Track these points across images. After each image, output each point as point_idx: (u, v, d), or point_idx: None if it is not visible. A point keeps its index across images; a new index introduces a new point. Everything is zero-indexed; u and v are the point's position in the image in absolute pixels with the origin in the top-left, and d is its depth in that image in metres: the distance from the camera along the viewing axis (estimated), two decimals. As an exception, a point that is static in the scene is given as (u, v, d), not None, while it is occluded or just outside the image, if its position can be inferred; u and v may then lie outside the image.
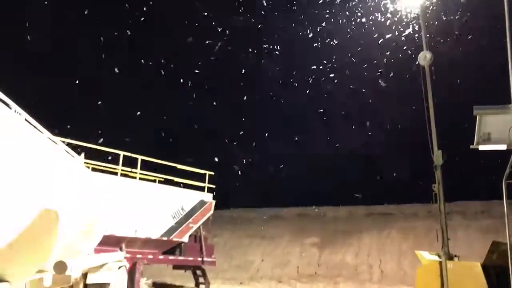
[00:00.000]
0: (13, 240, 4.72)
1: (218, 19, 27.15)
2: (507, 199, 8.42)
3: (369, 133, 26.49)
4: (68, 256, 6.90)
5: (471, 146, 7.93)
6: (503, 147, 7.46)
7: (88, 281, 8.45)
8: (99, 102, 26.86)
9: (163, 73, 28.96)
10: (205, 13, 26.26)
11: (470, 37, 20.46)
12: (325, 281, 18.61)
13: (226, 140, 28.91)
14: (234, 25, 26.85)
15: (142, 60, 27.88)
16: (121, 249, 12.87)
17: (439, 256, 9.81)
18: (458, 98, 18.27)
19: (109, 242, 12.44)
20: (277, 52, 27.20)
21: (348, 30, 24.36)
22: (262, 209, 27.24)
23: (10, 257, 4.89)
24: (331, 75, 26.43)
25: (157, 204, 14.62)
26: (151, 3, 27.77)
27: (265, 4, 26.00)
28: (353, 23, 23.49)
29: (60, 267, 6.33)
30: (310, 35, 26.01)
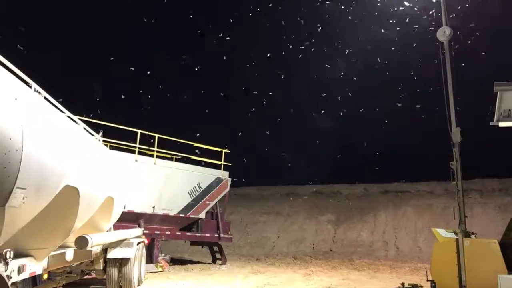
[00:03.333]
0: (36, 215, 4.85)
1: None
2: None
3: (385, 110, 26.16)
4: (89, 231, 7.07)
5: (491, 123, 7.82)
6: (523, 124, 7.35)
7: (109, 256, 8.66)
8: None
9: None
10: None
11: (491, 12, 19.92)
12: (340, 258, 18.72)
13: (244, 117, 28.86)
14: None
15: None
16: (139, 226, 13.12)
17: (455, 233, 9.77)
18: (479, 74, 17.92)
19: (128, 219, 12.68)
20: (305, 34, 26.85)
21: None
22: (278, 187, 27.36)
23: (33, 232, 5.04)
24: (350, 51, 26.09)
25: (174, 182, 14.78)
26: None
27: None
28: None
29: (81, 242, 6.50)
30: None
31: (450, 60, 10.57)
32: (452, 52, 10.78)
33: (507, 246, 9.07)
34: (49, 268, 6.20)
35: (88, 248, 6.63)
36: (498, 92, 7.59)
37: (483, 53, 21.05)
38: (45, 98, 6.03)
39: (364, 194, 25.17)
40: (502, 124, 7.68)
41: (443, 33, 10.66)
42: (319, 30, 26.43)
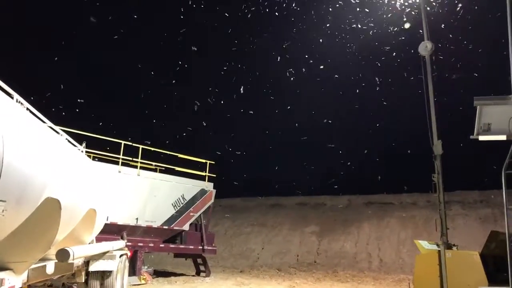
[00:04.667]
0: (17, 228, 4.78)
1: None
2: (506, 189, 8.46)
3: (369, 123, 26.47)
4: (70, 244, 6.97)
5: (471, 137, 7.95)
6: (503, 137, 7.48)
7: (91, 269, 8.53)
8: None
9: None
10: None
11: (470, 27, 20.37)
12: (324, 270, 18.74)
13: (228, 131, 28.92)
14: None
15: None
16: (122, 238, 12.96)
17: (438, 245, 9.88)
18: (459, 88, 18.25)
19: (111, 230, 12.55)
20: (285, 45, 27.04)
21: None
22: (263, 198, 27.37)
23: (13, 245, 4.96)
24: (330, 67, 26.33)
25: (158, 193, 14.68)
26: None
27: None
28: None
29: (63, 255, 6.41)
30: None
31: (431, 74, 10.77)
32: (433, 66, 10.99)
33: (487, 258, 9.20)
34: (29, 282, 6.09)
35: (70, 261, 6.53)
36: (478, 106, 7.74)
37: (464, 65, 21.46)
38: (28, 109, 5.99)
39: (348, 205, 25.30)
40: (482, 138, 7.82)
41: (425, 48, 10.86)
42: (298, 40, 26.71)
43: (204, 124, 27.83)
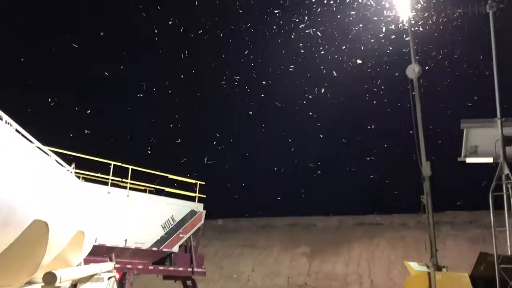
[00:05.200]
0: (3, 251, 4.72)
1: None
2: (494, 210, 8.54)
3: (359, 144, 26.64)
4: (58, 267, 6.87)
5: (459, 159, 8.06)
6: (489, 160, 7.59)
7: (78, 292, 8.40)
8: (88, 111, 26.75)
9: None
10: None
11: (458, 51, 20.77)
12: (315, 291, 18.63)
13: (218, 147, 28.87)
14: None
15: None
16: (111, 259, 12.81)
17: (428, 266, 9.88)
18: (446, 110, 18.49)
19: (99, 252, 12.38)
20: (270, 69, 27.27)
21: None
22: (253, 219, 27.24)
23: (-1, 269, 4.89)
24: (320, 87, 26.59)
25: (147, 214, 14.58)
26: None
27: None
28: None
29: (50, 278, 6.31)
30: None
31: (419, 96, 10.93)
32: (421, 88, 11.16)
33: (477, 280, 9.22)
34: (15, 306, 5.99)
35: (57, 284, 6.43)
36: (465, 129, 7.86)
37: (452, 88, 21.78)
38: (17, 130, 5.98)
39: (338, 226, 25.26)
40: (469, 160, 7.93)
41: (413, 71, 11.04)
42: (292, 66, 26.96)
43: (194, 145, 27.84)
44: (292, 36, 26.58)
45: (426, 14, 12.17)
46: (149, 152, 26.65)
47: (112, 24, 28.40)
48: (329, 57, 25.00)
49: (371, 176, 25.31)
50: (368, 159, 25.85)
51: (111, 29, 28.54)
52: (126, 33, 29.52)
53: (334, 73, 25.17)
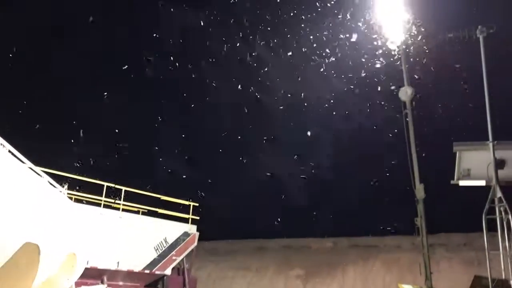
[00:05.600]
0: (-7, 275, 4.65)
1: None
2: (488, 233, 8.56)
3: (352, 166, 26.65)
4: (48, 290, 6.77)
5: (452, 182, 8.11)
6: (482, 183, 7.64)
7: (68, 316, 8.27)
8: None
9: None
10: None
11: (450, 73, 21.03)
12: (309, 315, 18.40)
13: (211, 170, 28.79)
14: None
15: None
16: (102, 282, 12.66)
17: (422, 289, 9.84)
18: (440, 133, 18.63)
19: (91, 275, 12.22)
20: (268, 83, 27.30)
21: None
22: (247, 241, 27.03)
23: (-11, 293, 4.81)
24: (311, 106, 26.69)
25: (140, 236, 14.46)
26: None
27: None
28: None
29: (40, 302, 6.21)
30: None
31: (412, 118, 11.03)
32: (414, 110, 11.27)
33: (472, 303, 9.17)
34: (3, 330, 5.88)
35: (47, 308, 6.34)
36: (457, 152, 7.92)
37: (446, 110, 21.96)
38: (9, 151, 5.96)
39: (333, 248, 25.11)
40: (462, 183, 7.98)
41: (405, 93, 11.16)
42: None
43: (188, 166, 27.75)
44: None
45: (419, 37, 12.38)
46: (143, 172, 26.54)
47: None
48: (319, 78, 25.18)
49: (365, 198, 25.28)
50: (361, 181, 25.85)
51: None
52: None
53: (327, 95, 25.36)
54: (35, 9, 25.51)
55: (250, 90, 26.98)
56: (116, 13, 27.22)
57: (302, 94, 25.52)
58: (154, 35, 27.77)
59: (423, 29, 11.88)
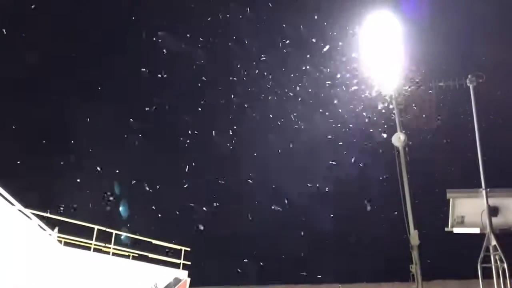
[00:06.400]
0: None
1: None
2: (484, 280, 8.44)
3: (347, 212, 26.52)
4: None
5: (446, 229, 8.07)
6: (476, 230, 7.61)
7: None
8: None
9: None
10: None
11: (441, 120, 21.30)
12: None
13: (204, 209, 28.47)
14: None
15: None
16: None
17: None
18: (434, 179, 18.66)
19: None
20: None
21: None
22: (239, 287, 26.43)
23: None
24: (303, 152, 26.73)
25: (130, 281, 14.13)
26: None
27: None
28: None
29: None
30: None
31: (405, 165, 11.05)
32: (407, 156, 11.31)
33: None
34: None
35: None
36: (451, 199, 7.92)
37: (438, 157, 22.08)
38: (0, 194, 5.91)
39: (327, 295, 24.62)
40: (456, 230, 7.94)
41: (398, 139, 11.24)
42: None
43: (178, 209, 27.49)
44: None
45: (411, 85, 12.58)
46: (135, 216, 26.21)
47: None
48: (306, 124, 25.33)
49: (360, 245, 25.02)
50: (355, 227, 25.64)
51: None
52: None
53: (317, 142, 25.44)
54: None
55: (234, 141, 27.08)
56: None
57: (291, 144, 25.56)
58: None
59: (414, 77, 12.09)
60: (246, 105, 25.74)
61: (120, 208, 22.32)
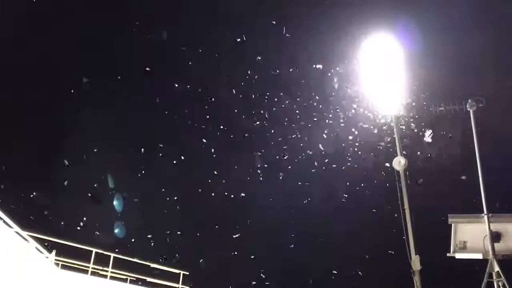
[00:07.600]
0: None
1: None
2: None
3: (346, 237, 26.26)
4: None
5: (448, 254, 7.97)
6: (478, 256, 7.51)
7: None
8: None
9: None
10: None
11: (443, 146, 21.27)
12: None
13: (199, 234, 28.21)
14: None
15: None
16: None
17: None
18: (435, 204, 18.52)
19: None
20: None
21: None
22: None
23: None
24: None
25: (127, 305, 13.91)
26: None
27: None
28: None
29: None
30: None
31: (406, 188, 10.97)
32: (408, 180, 11.23)
33: None
34: None
35: None
36: (453, 224, 7.85)
37: (439, 181, 21.95)
38: (-2, 216, 5.86)
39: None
40: (458, 256, 7.84)
41: (399, 163, 11.18)
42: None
43: (179, 232, 27.21)
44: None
45: (411, 109, 12.61)
46: (132, 239, 25.98)
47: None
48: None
49: (359, 272, 24.74)
50: (356, 252, 25.37)
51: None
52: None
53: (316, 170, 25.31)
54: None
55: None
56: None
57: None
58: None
59: (415, 102, 12.14)
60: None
61: (116, 231, 22.15)
